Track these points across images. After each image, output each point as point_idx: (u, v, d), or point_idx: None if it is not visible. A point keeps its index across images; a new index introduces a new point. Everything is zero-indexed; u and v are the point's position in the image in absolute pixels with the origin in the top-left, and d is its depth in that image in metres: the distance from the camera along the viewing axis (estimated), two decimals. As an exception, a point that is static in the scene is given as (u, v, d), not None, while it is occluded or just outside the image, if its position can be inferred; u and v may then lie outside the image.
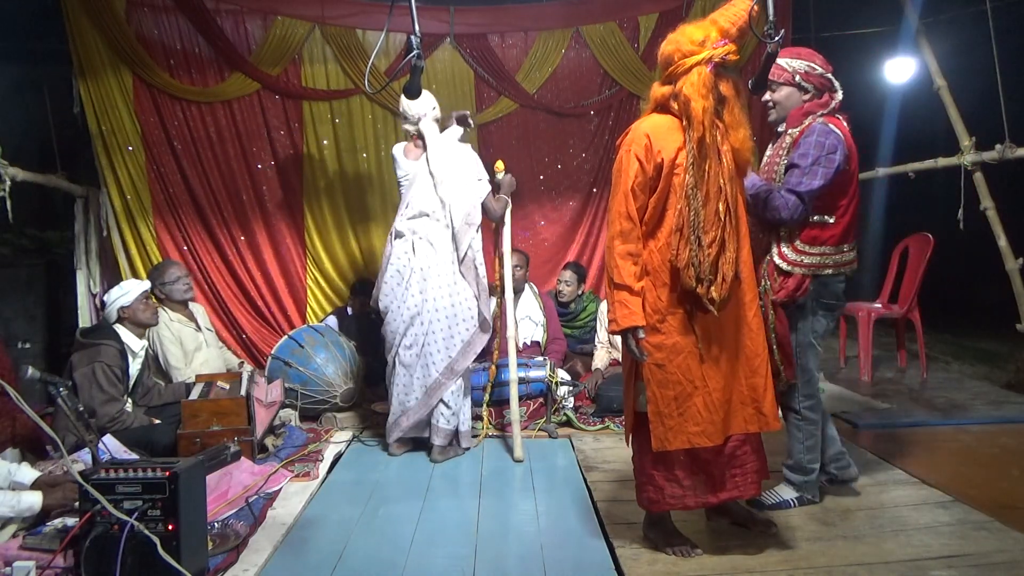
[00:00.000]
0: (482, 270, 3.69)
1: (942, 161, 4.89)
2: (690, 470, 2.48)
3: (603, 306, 4.77)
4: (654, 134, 2.37)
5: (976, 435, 3.86)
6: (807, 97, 2.76)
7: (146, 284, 3.82)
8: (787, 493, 2.91)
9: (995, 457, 3.55)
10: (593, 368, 4.62)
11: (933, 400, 4.58)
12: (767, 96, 2.78)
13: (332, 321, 4.91)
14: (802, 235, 2.71)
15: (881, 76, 5.81)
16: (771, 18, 2.18)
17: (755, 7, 2.25)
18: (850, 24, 6.01)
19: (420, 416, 3.65)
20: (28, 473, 2.75)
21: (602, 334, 4.75)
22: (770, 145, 2.94)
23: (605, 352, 4.70)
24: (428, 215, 3.63)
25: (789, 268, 2.71)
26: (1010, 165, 4.46)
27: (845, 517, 2.81)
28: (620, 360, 4.62)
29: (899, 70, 5.56)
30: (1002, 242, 4.61)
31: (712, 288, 2.32)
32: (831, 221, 2.70)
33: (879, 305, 5.40)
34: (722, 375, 2.41)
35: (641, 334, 2.38)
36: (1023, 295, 4.55)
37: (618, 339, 4.69)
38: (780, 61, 2.70)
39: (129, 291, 3.66)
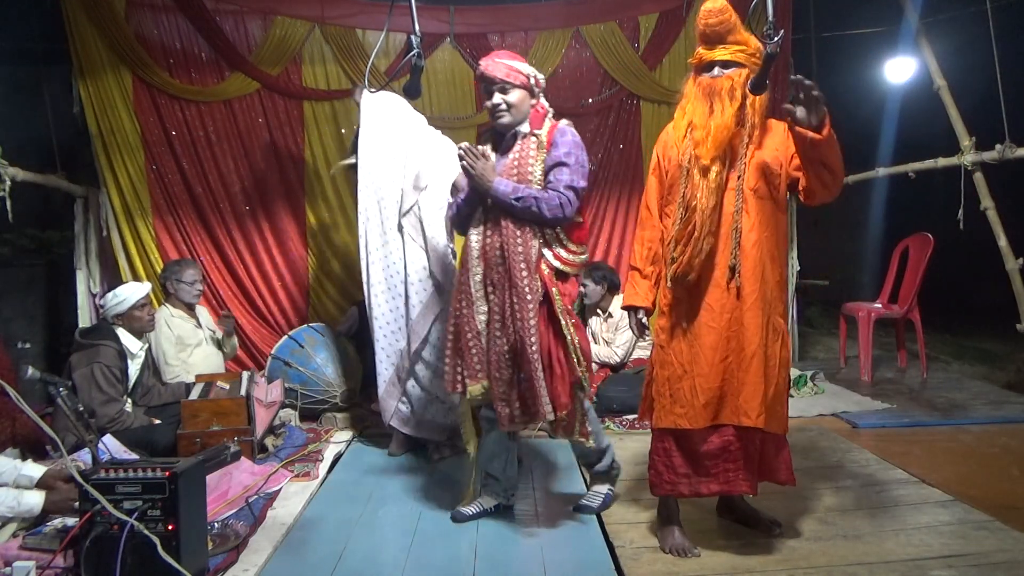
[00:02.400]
0: (431, 231, 3.56)
1: (942, 161, 4.89)
2: (685, 458, 2.53)
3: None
4: (675, 132, 2.59)
5: (976, 435, 3.86)
6: (533, 101, 2.73)
7: (144, 289, 3.76)
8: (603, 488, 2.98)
9: (995, 457, 3.56)
10: None
11: (933, 400, 4.59)
12: (498, 99, 2.67)
13: (354, 313, 4.81)
14: (572, 235, 2.70)
15: (881, 76, 5.81)
16: (771, 19, 2.18)
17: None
18: (850, 24, 6.02)
19: (400, 388, 3.62)
20: (35, 468, 2.74)
21: (590, 337, 4.79)
22: (499, 151, 2.80)
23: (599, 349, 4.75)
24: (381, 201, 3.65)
25: (568, 270, 2.68)
26: (1010, 165, 4.47)
27: (845, 517, 2.81)
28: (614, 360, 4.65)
29: (899, 70, 5.56)
30: (1002, 242, 4.61)
31: (673, 265, 2.47)
32: (581, 220, 2.79)
33: (879, 305, 5.40)
34: (709, 363, 2.44)
35: (641, 314, 2.67)
36: (1023, 295, 4.56)
37: (611, 335, 4.74)
38: (515, 64, 2.69)
39: (125, 299, 3.63)
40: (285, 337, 4.47)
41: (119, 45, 4.75)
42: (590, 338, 4.79)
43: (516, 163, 2.69)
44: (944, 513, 2.83)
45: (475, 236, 2.70)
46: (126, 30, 4.77)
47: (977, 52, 4.60)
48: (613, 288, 4.73)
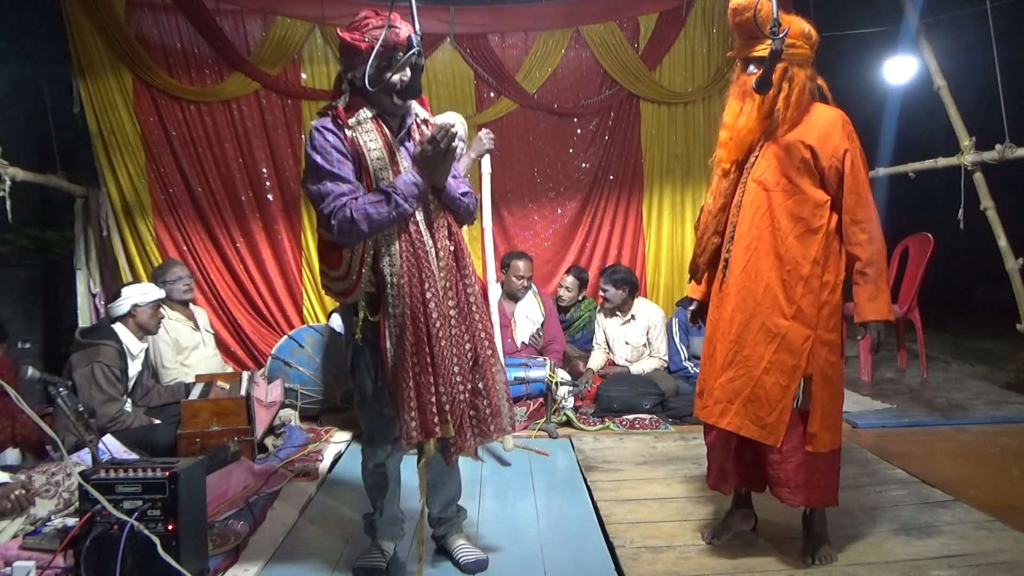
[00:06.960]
0: None
1: (942, 161, 4.89)
2: (709, 452, 2.60)
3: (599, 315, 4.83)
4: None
5: (976, 435, 3.86)
6: None
7: (163, 293, 3.85)
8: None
9: (995, 457, 3.55)
10: (585, 368, 4.64)
11: (933, 400, 4.58)
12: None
13: (336, 321, 4.82)
14: None
15: (881, 76, 5.81)
16: (775, 16, 2.16)
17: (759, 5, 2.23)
18: (850, 24, 6.01)
19: None
20: None
21: (599, 336, 4.78)
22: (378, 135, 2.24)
23: (602, 353, 4.73)
24: None
25: None
26: (1010, 165, 4.47)
27: (845, 517, 2.81)
28: (615, 362, 4.66)
29: (899, 70, 5.55)
30: (1002, 242, 4.61)
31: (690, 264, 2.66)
32: None
33: (879, 305, 5.39)
34: (705, 356, 2.56)
35: (694, 305, 2.74)
36: (1023, 295, 4.55)
37: (614, 342, 4.73)
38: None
39: (148, 293, 3.70)
40: (285, 337, 4.47)
41: (119, 45, 4.76)
42: (602, 341, 4.78)
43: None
44: (944, 513, 2.83)
45: (428, 239, 2.24)
46: (126, 30, 4.77)
47: (977, 52, 4.60)
48: (634, 291, 4.70)
